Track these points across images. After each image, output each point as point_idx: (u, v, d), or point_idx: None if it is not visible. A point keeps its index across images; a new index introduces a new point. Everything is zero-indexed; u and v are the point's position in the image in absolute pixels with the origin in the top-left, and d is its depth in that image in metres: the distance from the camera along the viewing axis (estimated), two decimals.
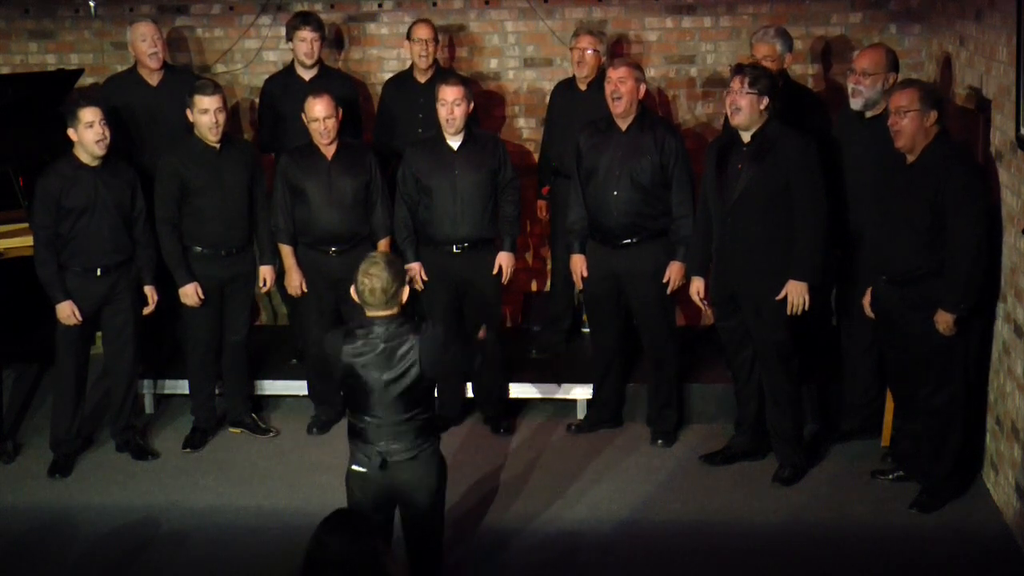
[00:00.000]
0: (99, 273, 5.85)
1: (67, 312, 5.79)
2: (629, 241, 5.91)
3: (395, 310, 4.26)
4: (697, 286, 5.79)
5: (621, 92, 5.76)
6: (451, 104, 5.88)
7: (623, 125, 5.87)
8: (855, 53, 5.85)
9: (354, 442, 4.37)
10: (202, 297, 6.01)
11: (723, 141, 5.65)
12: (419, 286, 6.15)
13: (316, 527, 3.63)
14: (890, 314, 5.35)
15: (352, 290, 4.30)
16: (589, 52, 6.43)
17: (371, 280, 4.20)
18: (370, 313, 4.27)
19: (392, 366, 4.22)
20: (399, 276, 4.26)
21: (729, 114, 5.44)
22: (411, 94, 6.65)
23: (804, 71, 6.99)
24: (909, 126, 5.09)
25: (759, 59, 6.04)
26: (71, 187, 5.75)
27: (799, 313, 5.50)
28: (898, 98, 5.13)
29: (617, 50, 6.91)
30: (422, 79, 6.65)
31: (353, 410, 4.35)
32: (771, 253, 5.47)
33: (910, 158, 5.18)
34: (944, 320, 5.12)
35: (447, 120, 5.91)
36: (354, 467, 4.35)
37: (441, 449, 4.45)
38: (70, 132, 5.73)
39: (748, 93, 5.34)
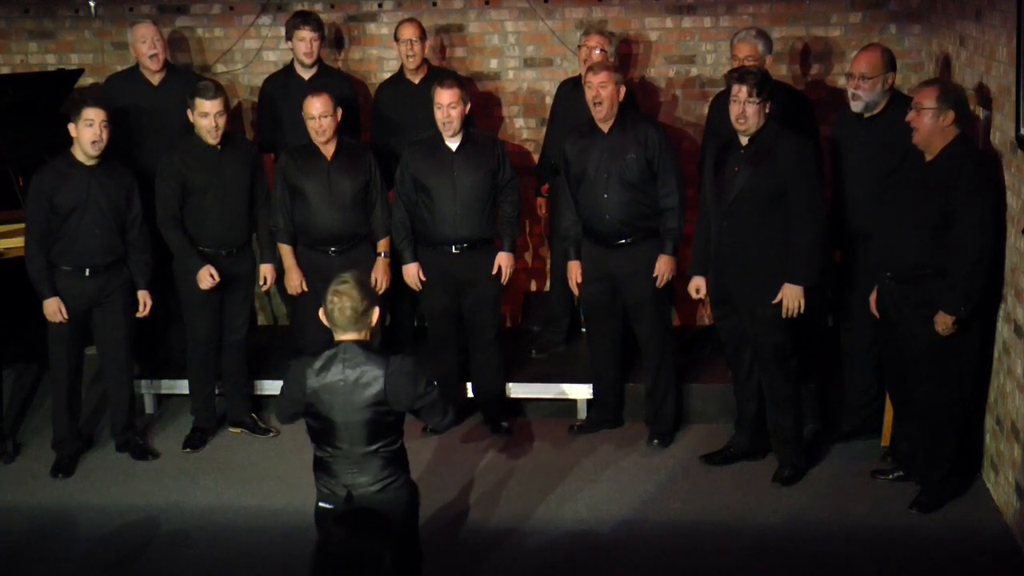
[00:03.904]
0: (88, 273, 5.85)
1: (53, 309, 5.78)
2: (623, 242, 5.91)
3: (364, 334, 4.10)
4: (697, 284, 5.78)
5: (602, 97, 5.76)
6: (447, 107, 5.87)
7: (605, 128, 5.87)
8: (854, 55, 5.84)
9: (319, 476, 4.21)
10: (217, 279, 5.99)
11: (721, 142, 5.64)
12: (417, 287, 6.15)
13: (329, 521, 3.63)
14: (891, 312, 5.35)
15: (320, 312, 4.14)
16: (597, 52, 6.40)
17: (340, 299, 4.03)
18: (338, 336, 4.11)
19: (356, 395, 4.04)
20: (369, 296, 4.09)
21: (734, 121, 5.41)
22: (406, 95, 6.63)
23: (804, 72, 6.99)
24: (925, 124, 5.10)
25: (741, 59, 6.05)
26: (64, 185, 5.75)
27: (794, 316, 5.50)
28: (919, 95, 5.15)
29: (620, 50, 6.90)
30: (415, 79, 6.64)
31: (317, 441, 4.19)
32: (767, 255, 5.46)
33: (928, 156, 5.17)
34: (943, 321, 5.11)
35: (444, 124, 5.91)
36: (321, 504, 4.20)
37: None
38: (70, 127, 5.74)
39: (755, 102, 5.33)
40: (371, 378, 4.05)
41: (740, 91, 5.35)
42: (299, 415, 4.22)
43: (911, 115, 5.15)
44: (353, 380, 4.06)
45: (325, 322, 4.14)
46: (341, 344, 4.10)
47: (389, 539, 3.60)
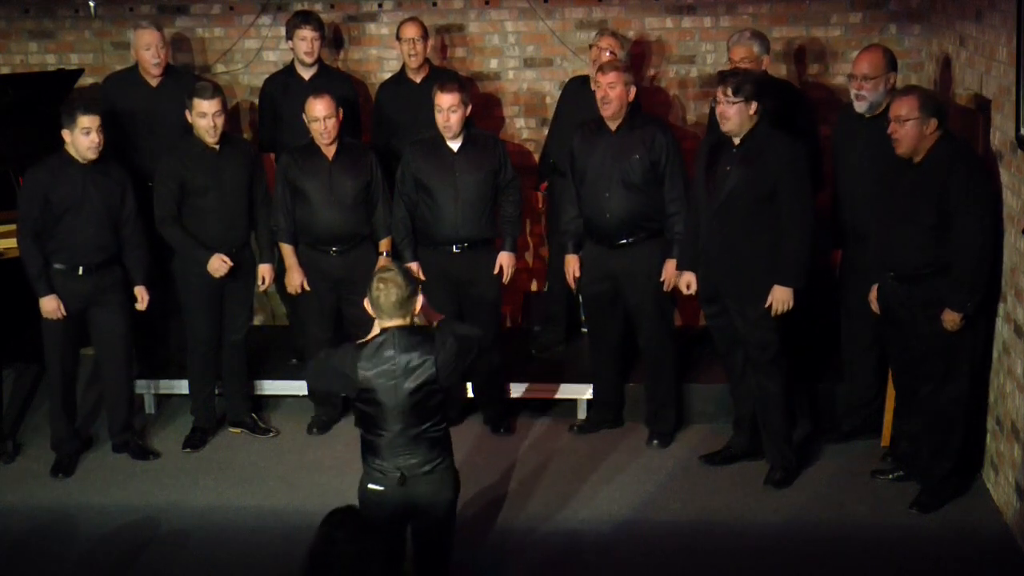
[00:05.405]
0: (81, 272, 5.84)
1: (52, 306, 5.78)
2: (626, 241, 5.91)
3: (408, 320, 4.23)
4: (687, 279, 5.79)
5: (611, 97, 5.77)
6: (447, 111, 5.87)
7: (613, 126, 5.87)
8: (854, 55, 5.85)
9: (369, 459, 4.32)
10: (229, 263, 5.98)
11: (713, 141, 5.65)
12: None
13: (320, 524, 3.64)
14: (896, 312, 5.35)
15: (365, 301, 4.26)
16: (607, 53, 6.39)
17: (386, 285, 4.18)
18: (383, 323, 4.23)
19: (406, 378, 4.18)
20: (412, 283, 4.23)
21: (719, 120, 5.45)
22: (407, 95, 6.62)
23: (804, 72, 6.99)
24: (908, 135, 5.10)
25: (736, 62, 6.05)
26: (59, 182, 5.75)
27: (782, 315, 5.50)
28: (897, 106, 5.14)
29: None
30: (416, 79, 6.64)
31: (367, 426, 4.31)
32: (757, 256, 5.46)
33: (916, 157, 5.18)
34: (951, 318, 5.12)
35: (444, 127, 5.91)
36: (371, 486, 4.30)
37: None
38: (64, 132, 5.73)
39: (734, 102, 5.34)
40: (421, 361, 4.18)
41: (719, 92, 5.40)
42: (337, 395, 4.34)
43: (892, 127, 5.14)
44: (404, 364, 4.18)
45: (370, 311, 4.25)
46: (388, 330, 4.21)
47: (385, 539, 3.61)
